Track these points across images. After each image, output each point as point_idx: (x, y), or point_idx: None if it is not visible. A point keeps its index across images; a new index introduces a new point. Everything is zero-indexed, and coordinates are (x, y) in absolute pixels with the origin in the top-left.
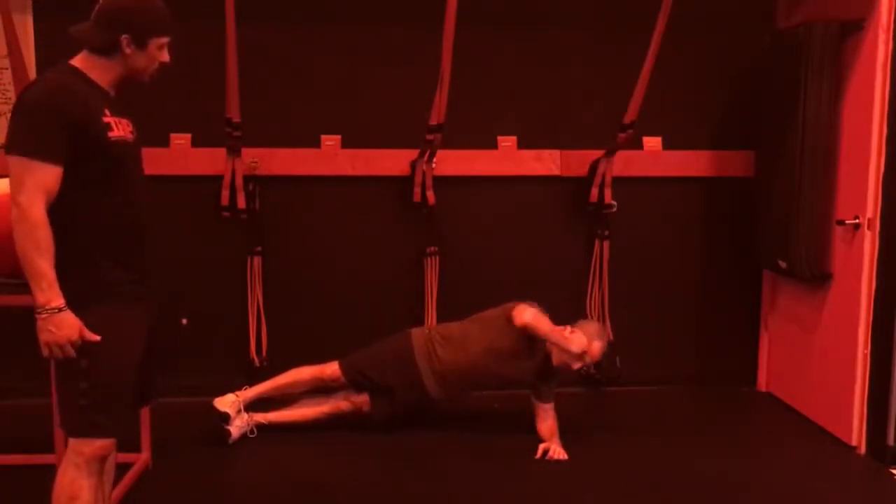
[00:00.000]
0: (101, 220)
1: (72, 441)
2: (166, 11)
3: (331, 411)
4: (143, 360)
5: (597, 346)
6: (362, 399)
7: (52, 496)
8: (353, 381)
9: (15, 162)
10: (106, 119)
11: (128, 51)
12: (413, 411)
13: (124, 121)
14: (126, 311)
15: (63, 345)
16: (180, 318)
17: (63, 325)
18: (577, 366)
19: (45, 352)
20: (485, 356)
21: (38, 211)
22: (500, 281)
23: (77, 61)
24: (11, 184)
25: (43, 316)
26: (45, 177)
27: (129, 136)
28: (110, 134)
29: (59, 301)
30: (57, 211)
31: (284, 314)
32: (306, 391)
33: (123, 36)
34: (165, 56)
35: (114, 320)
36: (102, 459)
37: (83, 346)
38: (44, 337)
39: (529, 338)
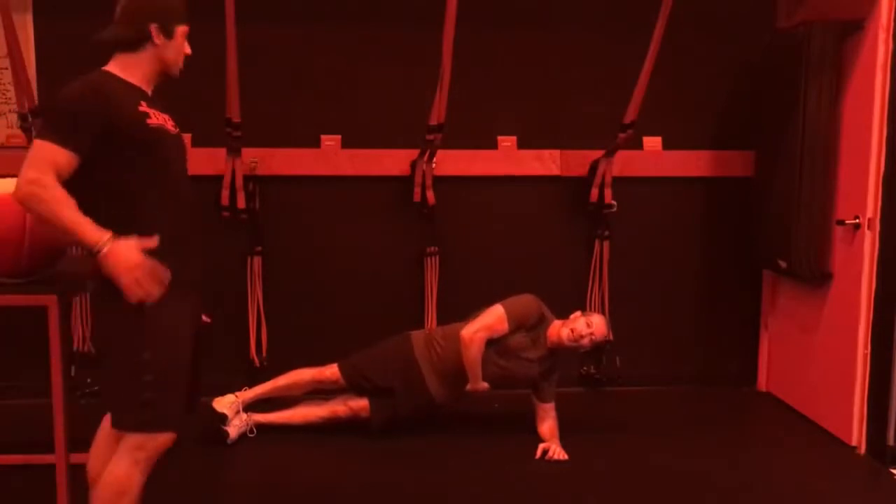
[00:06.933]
0: (152, 211)
1: (132, 437)
2: (185, 1)
3: (328, 416)
4: (193, 357)
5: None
6: (360, 405)
7: (96, 488)
8: (352, 384)
9: (34, 145)
10: (142, 109)
11: (157, 41)
12: (413, 419)
13: (164, 115)
14: (179, 304)
15: (138, 266)
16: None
17: (126, 250)
18: (567, 340)
19: (131, 288)
20: (484, 353)
21: (49, 178)
22: (500, 281)
23: (110, 66)
24: (24, 164)
25: (104, 251)
26: (58, 157)
27: (171, 129)
28: (149, 122)
29: (107, 234)
30: (112, 204)
31: (284, 314)
32: (306, 393)
33: (153, 25)
34: (188, 47)
35: (171, 312)
36: (160, 455)
37: (149, 341)
38: (119, 270)
39: (528, 329)
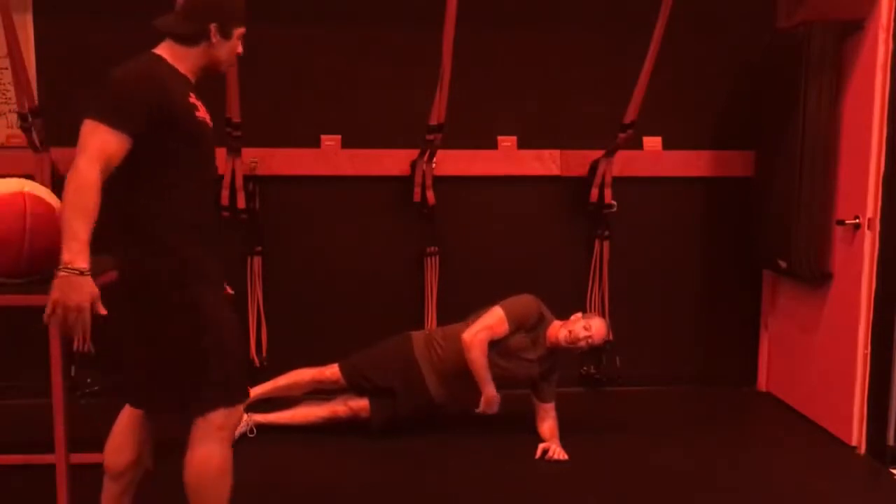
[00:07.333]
0: (188, 204)
1: (213, 418)
2: (245, 2)
3: (328, 416)
4: None
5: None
6: (361, 405)
7: (189, 480)
8: (352, 384)
9: (84, 126)
10: (192, 100)
11: (214, 40)
12: (413, 419)
13: (204, 107)
14: (218, 290)
15: (70, 308)
16: None
17: (80, 289)
18: (565, 342)
19: (48, 311)
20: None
21: (92, 174)
22: (500, 281)
23: (161, 51)
24: (78, 145)
25: (63, 274)
26: (109, 142)
27: (209, 122)
28: (197, 114)
29: (84, 265)
30: (149, 194)
31: (284, 314)
32: (306, 393)
33: (212, 24)
34: (241, 47)
35: (216, 297)
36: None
37: (203, 324)
38: (55, 295)
39: (528, 329)
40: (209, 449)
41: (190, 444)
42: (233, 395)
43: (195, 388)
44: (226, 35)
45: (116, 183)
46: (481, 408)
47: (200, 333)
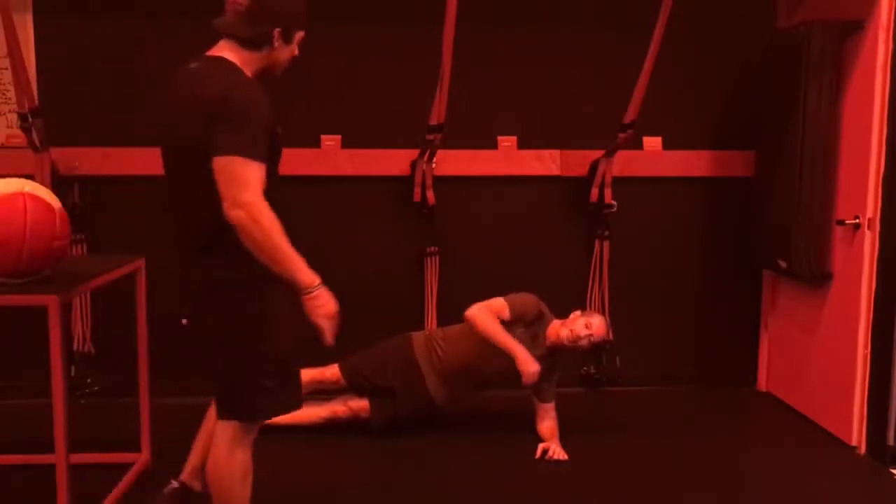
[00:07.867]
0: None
1: (242, 423)
2: (306, 5)
3: (328, 417)
4: None
5: (565, 332)
6: (361, 405)
7: (215, 482)
8: (353, 384)
9: (236, 162)
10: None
11: (276, 44)
12: (413, 419)
13: None
14: (289, 295)
15: (333, 316)
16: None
17: (328, 298)
18: (567, 341)
19: (327, 326)
20: (485, 351)
21: (266, 205)
22: (500, 281)
23: (227, 55)
24: (230, 184)
25: (312, 295)
26: (260, 174)
27: None
28: (279, 129)
29: (318, 279)
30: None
31: None
32: (306, 393)
33: (277, 29)
34: (297, 50)
35: (287, 303)
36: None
37: (264, 330)
38: (320, 312)
39: (528, 324)
40: (230, 454)
41: (216, 443)
42: (281, 404)
43: (244, 394)
44: (287, 39)
45: (196, 191)
46: (523, 376)
47: (263, 340)
